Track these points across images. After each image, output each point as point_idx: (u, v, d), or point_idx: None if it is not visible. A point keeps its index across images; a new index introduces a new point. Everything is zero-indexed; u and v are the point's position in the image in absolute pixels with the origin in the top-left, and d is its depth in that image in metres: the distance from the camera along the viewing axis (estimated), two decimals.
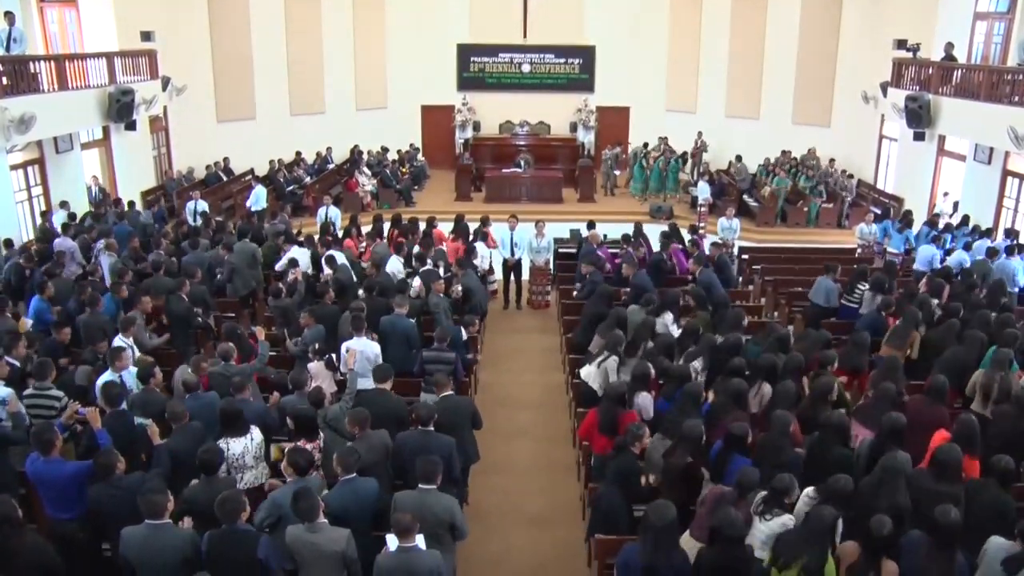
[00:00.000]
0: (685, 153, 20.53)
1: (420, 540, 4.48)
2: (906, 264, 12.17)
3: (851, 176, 18.60)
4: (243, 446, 5.65)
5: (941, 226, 12.94)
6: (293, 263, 10.15)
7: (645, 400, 6.67)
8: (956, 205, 14.68)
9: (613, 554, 5.18)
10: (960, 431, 5.53)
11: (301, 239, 11.97)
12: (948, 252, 11.61)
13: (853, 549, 4.44)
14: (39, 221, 13.30)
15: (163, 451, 5.44)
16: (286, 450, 5.47)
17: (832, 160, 19.38)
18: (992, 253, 10.85)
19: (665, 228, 12.27)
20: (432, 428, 5.75)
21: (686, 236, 12.34)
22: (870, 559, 4.33)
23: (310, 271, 10.59)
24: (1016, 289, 10.46)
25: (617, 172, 20.62)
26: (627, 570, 4.51)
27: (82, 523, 5.28)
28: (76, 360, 7.53)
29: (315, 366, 7.01)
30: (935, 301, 8.92)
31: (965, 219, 13.36)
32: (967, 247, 11.60)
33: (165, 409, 6.04)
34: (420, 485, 4.94)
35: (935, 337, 7.94)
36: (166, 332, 8.70)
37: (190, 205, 14.73)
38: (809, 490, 5.02)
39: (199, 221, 13.63)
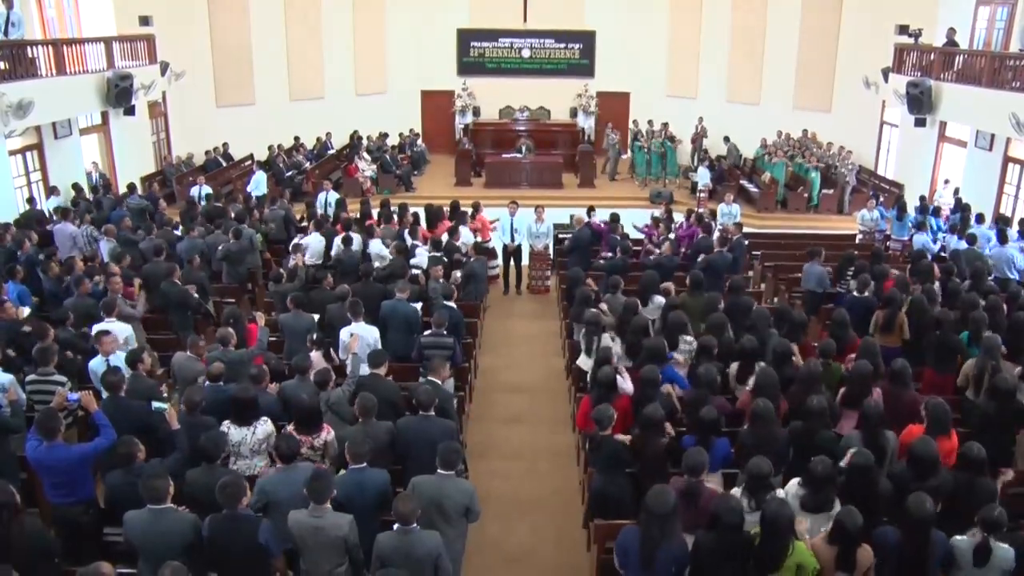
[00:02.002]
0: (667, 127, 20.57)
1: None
2: (907, 251, 12.15)
3: (850, 152, 18.44)
4: (242, 436, 5.64)
5: (931, 209, 12.91)
6: (296, 248, 10.11)
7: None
8: (957, 191, 14.64)
9: (612, 538, 5.21)
10: (931, 416, 5.52)
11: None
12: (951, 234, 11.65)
13: (827, 550, 4.39)
14: (33, 208, 13.19)
15: (182, 435, 5.45)
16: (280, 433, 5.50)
17: (830, 144, 19.33)
18: (972, 239, 10.79)
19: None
20: (432, 413, 5.73)
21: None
22: (844, 553, 4.32)
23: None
24: (1015, 275, 10.44)
25: (624, 156, 20.57)
26: (625, 554, 4.52)
27: (86, 507, 5.29)
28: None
29: (316, 356, 7.00)
30: (918, 287, 8.97)
31: (958, 203, 13.32)
32: (952, 229, 11.61)
33: (152, 395, 6.09)
34: (440, 471, 4.97)
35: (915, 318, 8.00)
36: (164, 318, 8.69)
37: (194, 190, 14.71)
38: (793, 482, 4.99)
39: (203, 204, 13.55)
